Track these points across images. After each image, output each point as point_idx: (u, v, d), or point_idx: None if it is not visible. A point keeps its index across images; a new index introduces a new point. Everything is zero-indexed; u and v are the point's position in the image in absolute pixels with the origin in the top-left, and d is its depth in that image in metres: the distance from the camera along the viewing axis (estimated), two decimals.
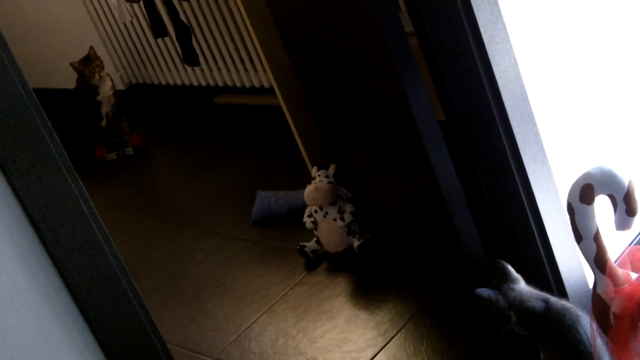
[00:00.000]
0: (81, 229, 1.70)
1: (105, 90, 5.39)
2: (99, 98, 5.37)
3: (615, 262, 2.30)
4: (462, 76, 2.40)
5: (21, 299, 1.66)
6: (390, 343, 2.92)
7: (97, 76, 5.31)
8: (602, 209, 2.24)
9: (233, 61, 4.98)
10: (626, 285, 2.24)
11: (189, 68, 5.29)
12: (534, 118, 2.42)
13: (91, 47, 5.35)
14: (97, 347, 1.79)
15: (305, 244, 3.53)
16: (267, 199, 3.96)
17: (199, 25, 4.98)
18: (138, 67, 5.86)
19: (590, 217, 2.20)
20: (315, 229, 3.51)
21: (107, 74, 5.44)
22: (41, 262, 1.67)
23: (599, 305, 2.29)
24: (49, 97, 4.51)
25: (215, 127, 5.27)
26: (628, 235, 2.69)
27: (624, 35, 2.75)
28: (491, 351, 2.72)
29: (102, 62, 5.37)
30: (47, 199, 1.65)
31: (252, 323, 3.28)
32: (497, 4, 2.29)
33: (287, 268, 3.55)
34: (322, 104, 3.36)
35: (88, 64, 5.31)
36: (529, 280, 2.41)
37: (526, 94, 2.39)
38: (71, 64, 5.32)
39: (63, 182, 1.67)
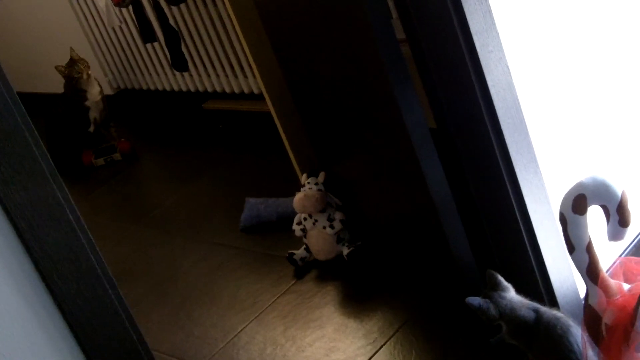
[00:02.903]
0: (67, 239, 1.68)
1: (94, 95, 5.35)
2: (87, 103, 5.34)
3: (606, 272, 2.29)
4: (454, 84, 2.39)
5: (6, 309, 1.64)
6: (379, 352, 2.91)
7: (85, 75, 5.27)
8: (595, 219, 2.23)
9: (222, 67, 4.96)
10: (618, 297, 2.23)
11: (177, 73, 5.27)
12: (526, 127, 2.41)
13: (71, 49, 5.31)
14: (83, 358, 1.76)
15: (294, 251, 3.51)
16: (256, 206, 3.94)
17: (188, 31, 4.96)
18: (127, 72, 5.83)
19: (582, 227, 2.19)
20: (305, 236, 3.49)
21: (96, 79, 5.41)
22: (26, 272, 1.65)
23: (590, 316, 2.28)
24: (36, 102, 4.50)
25: (204, 133, 5.25)
26: (619, 245, 2.68)
27: (617, 44, 2.74)
28: None
29: (86, 61, 5.34)
30: (32, 207, 1.63)
31: (240, 331, 3.26)
32: (490, 11, 2.28)
33: (275, 276, 3.52)
34: (312, 111, 3.34)
35: (74, 66, 5.27)
36: (520, 291, 2.41)
37: (519, 102, 2.38)
38: (56, 68, 5.29)
39: (49, 191, 1.65)
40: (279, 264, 3.56)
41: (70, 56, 5.29)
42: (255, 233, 3.90)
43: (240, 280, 3.59)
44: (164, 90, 5.56)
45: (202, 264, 3.83)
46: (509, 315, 2.36)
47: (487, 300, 2.35)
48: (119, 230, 4.43)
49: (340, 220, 3.41)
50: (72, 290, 1.71)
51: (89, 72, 5.31)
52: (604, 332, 2.24)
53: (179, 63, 4.71)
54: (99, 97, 5.38)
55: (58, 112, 5.43)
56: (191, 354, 3.25)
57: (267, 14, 3.23)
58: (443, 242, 2.78)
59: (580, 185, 2.19)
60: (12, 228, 1.62)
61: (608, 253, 2.51)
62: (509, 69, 2.34)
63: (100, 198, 5.04)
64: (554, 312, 2.38)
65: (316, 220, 3.43)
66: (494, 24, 2.29)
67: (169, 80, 5.46)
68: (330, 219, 3.41)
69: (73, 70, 5.26)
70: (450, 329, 2.88)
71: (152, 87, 5.66)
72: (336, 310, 3.21)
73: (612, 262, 2.51)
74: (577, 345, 2.30)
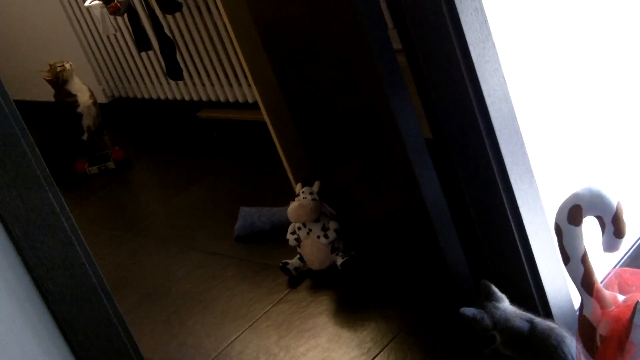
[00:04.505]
0: (62, 246, 1.67)
1: (85, 100, 5.32)
2: (79, 110, 5.31)
3: (601, 283, 2.28)
4: (450, 94, 2.38)
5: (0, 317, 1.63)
6: None
7: (67, 65, 5.24)
8: (589, 230, 2.23)
9: (217, 76, 4.96)
10: (613, 308, 2.23)
11: (172, 82, 5.26)
12: (522, 137, 2.41)
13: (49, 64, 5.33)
14: None
15: (288, 261, 3.50)
16: (250, 215, 3.93)
17: (183, 39, 4.96)
18: (121, 81, 5.82)
19: (578, 238, 2.19)
20: (299, 246, 3.48)
21: (85, 84, 5.38)
22: (21, 279, 1.64)
23: (585, 327, 2.28)
24: (30, 110, 4.48)
25: (199, 142, 5.24)
26: (614, 256, 2.68)
27: (612, 55, 2.75)
28: None
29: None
30: (27, 215, 1.62)
31: (234, 340, 3.25)
32: (486, 22, 2.28)
33: (269, 285, 3.51)
34: (307, 120, 3.34)
35: (54, 64, 5.27)
36: (514, 301, 2.41)
37: (514, 113, 2.38)
38: (41, 73, 5.28)
39: (44, 198, 1.64)
40: (272, 273, 3.55)
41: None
42: (250, 242, 3.89)
43: (234, 290, 3.58)
44: (159, 98, 5.55)
45: (196, 272, 3.82)
46: (503, 326, 2.36)
47: (481, 310, 2.35)
48: (112, 239, 4.42)
49: (335, 230, 3.41)
50: (66, 298, 1.70)
51: (71, 64, 5.28)
52: (598, 343, 2.23)
53: (173, 72, 4.71)
54: (90, 102, 5.35)
55: (51, 120, 5.42)
56: None
57: (262, 23, 3.23)
58: (438, 252, 2.77)
59: (575, 196, 2.19)
60: (7, 235, 1.61)
61: (602, 264, 2.51)
62: (505, 79, 2.34)
63: (93, 206, 5.02)
64: (548, 322, 2.38)
65: (310, 230, 3.42)
66: (490, 34, 2.29)
67: (163, 89, 5.45)
68: (325, 229, 3.41)
69: (55, 68, 5.24)
70: (445, 340, 2.87)
71: (146, 96, 5.66)
72: (330, 320, 3.20)
73: (606, 273, 2.51)
74: (572, 356, 2.30)
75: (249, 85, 4.50)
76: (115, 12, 4.61)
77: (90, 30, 5.74)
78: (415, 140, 2.61)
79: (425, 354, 2.89)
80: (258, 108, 3.68)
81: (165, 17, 4.83)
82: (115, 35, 5.46)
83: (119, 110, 5.96)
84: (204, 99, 5.17)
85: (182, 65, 4.87)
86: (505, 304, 2.39)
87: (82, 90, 5.34)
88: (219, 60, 4.86)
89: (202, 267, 3.85)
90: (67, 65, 5.25)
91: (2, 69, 5.44)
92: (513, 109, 2.38)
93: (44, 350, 1.71)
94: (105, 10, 4.76)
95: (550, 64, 2.54)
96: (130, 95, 5.83)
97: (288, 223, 3.51)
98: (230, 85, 4.90)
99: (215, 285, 3.67)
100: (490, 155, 2.38)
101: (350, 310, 3.25)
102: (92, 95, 5.39)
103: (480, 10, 2.27)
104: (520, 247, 2.50)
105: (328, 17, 2.77)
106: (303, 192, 3.43)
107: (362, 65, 2.68)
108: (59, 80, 5.26)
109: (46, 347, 1.71)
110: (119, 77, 5.82)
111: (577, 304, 2.47)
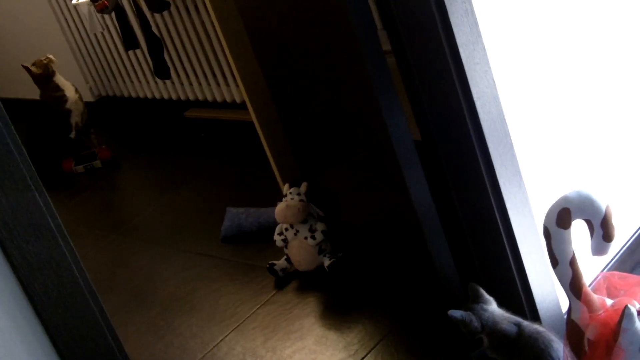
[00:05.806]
0: (48, 247, 1.65)
1: (72, 95, 5.30)
2: (67, 105, 5.28)
3: (589, 286, 2.28)
4: (439, 96, 2.38)
5: None
6: None
7: (55, 60, 5.21)
8: (578, 233, 2.23)
9: (205, 75, 4.95)
10: (601, 312, 2.23)
11: (159, 81, 5.25)
12: (511, 140, 2.41)
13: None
14: None
15: (275, 262, 3.49)
16: (237, 216, 3.92)
17: (171, 38, 4.95)
18: (108, 79, 5.80)
19: (566, 241, 2.19)
20: (286, 247, 3.47)
21: (68, 81, 5.36)
22: (6, 280, 1.63)
23: (573, 331, 2.28)
24: (16, 107, 4.46)
25: (186, 142, 5.22)
26: (602, 260, 2.68)
27: (602, 58, 2.75)
28: None
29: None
30: (13, 214, 1.60)
31: (220, 342, 3.24)
32: (476, 24, 2.27)
33: (256, 286, 3.50)
34: (296, 121, 3.33)
35: (37, 60, 5.24)
36: (502, 304, 2.40)
37: (504, 115, 2.38)
38: (26, 68, 5.24)
39: (30, 198, 1.63)
40: (259, 275, 3.54)
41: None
42: (236, 243, 3.88)
43: (220, 291, 3.57)
44: (146, 97, 5.54)
45: (182, 273, 3.81)
46: (491, 329, 2.35)
47: (469, 312, 2.35)
48: (98, 239, 4.40)
49: (322, 231, 3.40)
50: (52, 299, 1.68)
51: (54, 58, 5.26)
52: (586, 348, 2.24)
53: (161, 71, 4.70)
54: (76, 97, 5.33)
55: (39, 120, 5.39)
56: None
57: (251, 23, 3.22)
58: (426, 254, 2.77)
59: (564, 199, 2.19)
60: None
61: (591, 267, 2.51)
62: (494, 81, 2.34)
63: (79, 206, 5.00)
64: (536, 326, 2.37)
65: (298, 231, 3.41)
66: (480, 36, 2.29)
67: (150, 87, 5.44)
68: (312, 230, 3.40)
69: (41, 61, 5.21)
70: (432, 342, 2.87)
71: (133, 95, 5.64)
72: (317, 322, 3.19)
73: (594, 277, 2.51)
74: (559, 359, 2.29)
75: (237, 85, 4.48)
76: (102, 10, 4.60)
77: (77, 28, 5.72)
78: (404, 142, 2.61)
79: (412, 356, 2.88)
80: (246, 108, 3.67)
81: (153, 16, 4.82)
82: (102, 33, 5.44)
83: (106, 109, 5.94)
84: (192, 98, 5.16)
85: (169, 64, 4.87)
86: (493, 307, 2.38)
87: (66, 85, 5.32)
88: (207, 59, 4.85)
89: (189, 268, 3.83)
90: (54, 59, 5.23)
91: None
92: (502, 112, 2.38)
93: (29, 351, 1.69)
94: (92, 8, 4.75)
95: (540, 67, 2.54)
96: (118, 94, 5.81)
97: (275, 224, 3.50)
98: (218, 84, 4.89)
99: (201, 286, 3.65)
100: (479, 157, 2.37)
101: (338, 312, 3.24)
102: (77, 90, 5.37)
103: (470, 12, 2.26)
104: (508, 250, 2.49)
105: (317, 17, 2.76)
106: (290, 193, 3.42)
107: (351, 66, 2.67)
108: (48, 71, 5.23)
109: (31, 348, 1.69)
110: (106, 76, 5.80)
111: (565, 308, 2.47)
